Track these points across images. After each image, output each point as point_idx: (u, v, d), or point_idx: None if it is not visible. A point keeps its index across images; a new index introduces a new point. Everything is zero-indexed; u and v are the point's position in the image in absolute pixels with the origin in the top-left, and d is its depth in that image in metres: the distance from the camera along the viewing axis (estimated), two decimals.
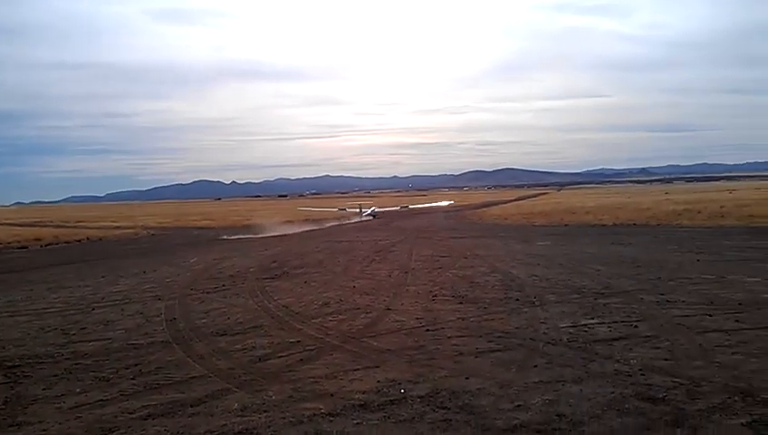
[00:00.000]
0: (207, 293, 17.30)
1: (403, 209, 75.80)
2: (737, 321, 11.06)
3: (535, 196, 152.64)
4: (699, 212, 43.71)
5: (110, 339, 12.05)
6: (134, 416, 7.63)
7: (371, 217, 63.58)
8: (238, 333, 11.97)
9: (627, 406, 7.12)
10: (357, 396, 7.90)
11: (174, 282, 20.05)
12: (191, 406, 7.87)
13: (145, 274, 22.89)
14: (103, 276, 22.59)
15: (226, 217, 78.97)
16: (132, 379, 9.26)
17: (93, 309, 15.56)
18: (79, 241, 46.35)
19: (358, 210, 66.42)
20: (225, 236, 44.22)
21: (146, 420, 7.49)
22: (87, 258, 32.06)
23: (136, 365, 10.02)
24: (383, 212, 69.73)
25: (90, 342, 11.90)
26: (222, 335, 11.88)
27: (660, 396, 7.38)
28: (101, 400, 8.32)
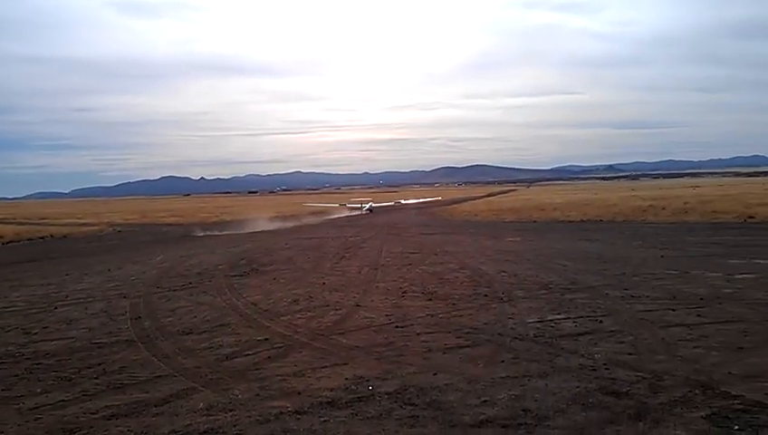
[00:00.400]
0: (174, 290, 17.05)
1: (396, 204, 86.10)
2: (699, 316, 11.31)
3: (505, 192, 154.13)
4: (664, 208, 44.60)
5: (73, 338, 11.81)
6: (97, 416, 7.49)
7: (369, 211, 71.97)
8: (205, 332, 11.82)
9: (591, 400, 7.23)
10: (324, 393, 7.87)
11: (140, 280, 19.72)
12: (155, 406, 7.74)
13: (110, 271, 22.48)
14: (67, 274, 22.12)
15: (195, 214, 77.97)
16: (95, 378, 9.08)
17: (56, 308, 15.23)
18: (42, 238, 45.36)
19: (359, 206, 76.85)
20: (200, 233, 43.64)
21: (109, 420, 7.35)
22: (51, 256, 31.40)
23: (99, 365, 9.83)
24: (378, 207, 78.41)
25: (52, 341, 11.64)
26: (188, 334, 11.71)
27: (624, 390, 7.50)
28: (63, 400, 8.14)
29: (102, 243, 40.28)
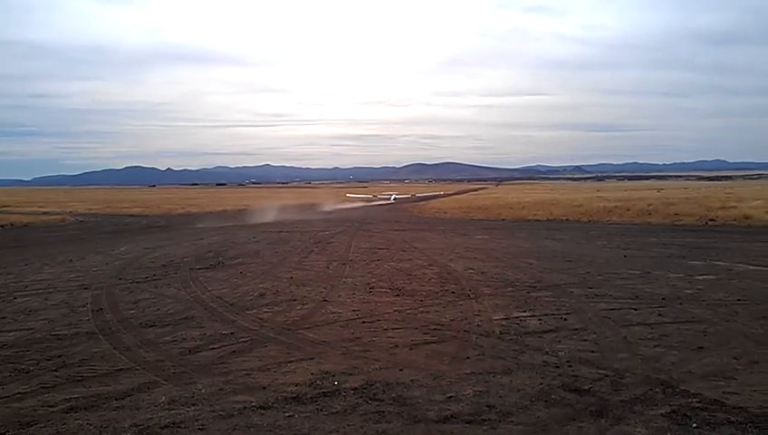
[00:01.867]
0: (137, 283, 16.75)
1: (413, 197, 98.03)
2: (660, 315, 11.55)
3: (475, 190, 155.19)
4: (628, 209, 45.36)
5: (31, 329, 11.51)
6: (55, 409, 7.31)
7: (394, 201, 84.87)
8: (168, 325, 11.64)
9: (554, 397, 7.32)
10: (290, 389, 7.81)
11: (102, 271, 19.31)
12: (116, 399, 7.59)
13: (72, 262, 21.98)
14: (27, 264, 21.57)
15: (161, 205, 76.74)
16: (54, 371, 8.87)
17: (15, 298, 14.85)
18: (2, 227, 44.05)
19: (388, 196, 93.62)
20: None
21: (67, 413, 7.18)
22: (10, 245, 30.55)
23: (59, 357, 9.61)
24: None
25: (10, 332, 11.33)
26: (151, 327, 11.52)
27: (586, 387, 7.61)
28: (20, 393, 7.93)
29: (64, 233, 39.32)
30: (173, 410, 7.18)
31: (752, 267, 17.39)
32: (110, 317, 12.44)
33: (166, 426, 6.71)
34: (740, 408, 6.85)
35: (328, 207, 69.69)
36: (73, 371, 8.88)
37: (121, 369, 8.91)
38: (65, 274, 18.92)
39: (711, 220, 36.48)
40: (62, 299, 14.58)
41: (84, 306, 13.64)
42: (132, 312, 12.95)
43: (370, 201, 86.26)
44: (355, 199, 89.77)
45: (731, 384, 7.65)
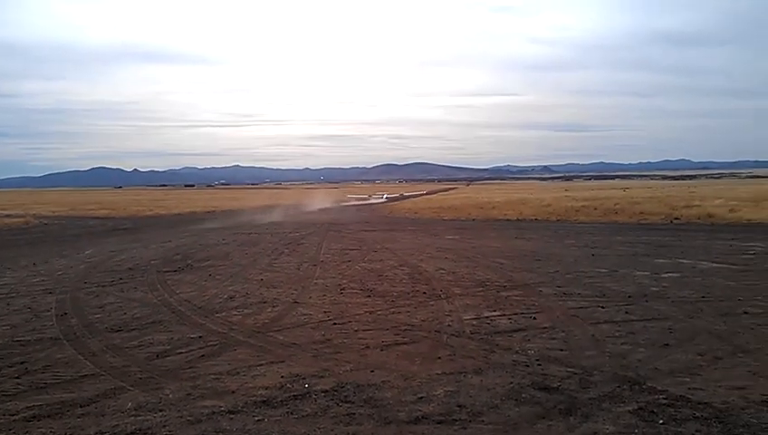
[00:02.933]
0: (103, 286, 16.41)
1: (400, 196, 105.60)
2: (627, 313, 11.73)
3: (446, 190, 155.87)
4: (596, 209, 46.05)
5: None
6: (17, 417, 7.12)
7: (386, 200, 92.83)
8: (135, 329, 11.42)
9: (524, 395, 7.37)
10: (259, 392, 7.72)
11: (67, 275, 18.89)
12: (81, 406, 7.42)
13: (35, 266, 21.46)
14: None
15: (127, 207, 75.41)
16: (17, 378, 8.65)
17: None
18: None
19: (380, 195, 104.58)
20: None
21: (30, 421, 7.00)
22: None
23: (22, 363, 9.36)
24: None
25: None
26: (117, 331, 11.29)
27: (555, 385, 7.69)
28: None
29: (27, 236, 38.36)
30: (140, 416, 7.04)
31: (715, 265, 17.78)
32: (75, 322, 12.17)
33: (132, 433, 6.58)
34: (705, 403, 6.99)
35: (300, 208, 69.39)
36: (37, 377, 8.66)
37: (86, 375, 8.72)
38: (29, 278, 18.47)
39: (676, 219, 37.22)
40: (26, 304, 14.23)
41: (48, 311, 13.33)
42: (98, 316, 12.69)
43: (365, 200, 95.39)
44: (351, 199, 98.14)
45: (696, 380, 7.81)
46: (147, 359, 9.45)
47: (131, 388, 8.07)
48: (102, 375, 8.68)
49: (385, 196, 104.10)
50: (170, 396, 7.69)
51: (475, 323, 11.19)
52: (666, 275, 16.03)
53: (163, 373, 8.67)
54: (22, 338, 10.98)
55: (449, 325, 11.02)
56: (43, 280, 17.93)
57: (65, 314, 13.00)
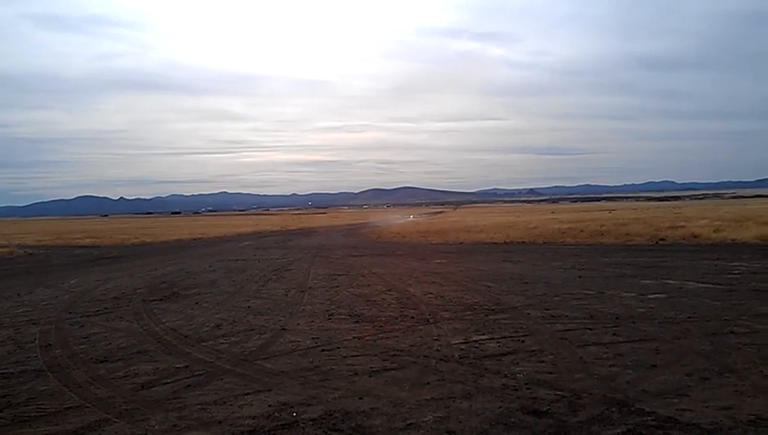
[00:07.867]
0: (88, 316, 16.21)
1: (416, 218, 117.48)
2: (614, 334, 11.75)
3: (433, 214, 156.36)
4: (582, 231, 46.24)
5: None
6: None
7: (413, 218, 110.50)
8: (120, 359, 11.27)
9: (513, 420, 7.33)
10: (246, 422, 7.62)
11: (51, 305, 18.65)
12: None
13: (19, 296, 21.17)
14: None
15: (113, 236, 74.83)
16: None
17: None
18: None
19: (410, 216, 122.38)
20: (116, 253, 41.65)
21: None
22: None
23: (4, 397, 9.17)
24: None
25: None
26: (102, 362, 11.13)
27: (544, 409, 7.65)
28: None
29: (11, 266, 37.88)
30: None
31: (701, 285, 17.90)
32: (60, 353, 11.99)
33: None
34: (693, 424, 6.98)
35: (284, 233, 69.18)
36: (20, 410, 8.50)
37: (71, 407, 8.56)
38: (12, 309, 18.21)
39: (661, 239, 37.48)
40: (9, 335, 14.01)
41: (32, 342, 13.13)
42: (83, 347, 12.51)
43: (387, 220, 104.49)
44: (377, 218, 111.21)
45: (684, 401, 7.81)
46: (132, 390, 9.30)
47: (116, 420, 7.93)
48: (87, 407, 8.52)
49: (411, 216, 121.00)
50: (156, 427, 7.57)
51: (463, 347, 11.15)
52: (652, 296, 16.11)
53: (149, 404, 8.54)
54: (5, 371, 10.79)
55: (438, 350, 10.98)
56: (27, 311, 17.68)
57: (49, 344, 12.81)
